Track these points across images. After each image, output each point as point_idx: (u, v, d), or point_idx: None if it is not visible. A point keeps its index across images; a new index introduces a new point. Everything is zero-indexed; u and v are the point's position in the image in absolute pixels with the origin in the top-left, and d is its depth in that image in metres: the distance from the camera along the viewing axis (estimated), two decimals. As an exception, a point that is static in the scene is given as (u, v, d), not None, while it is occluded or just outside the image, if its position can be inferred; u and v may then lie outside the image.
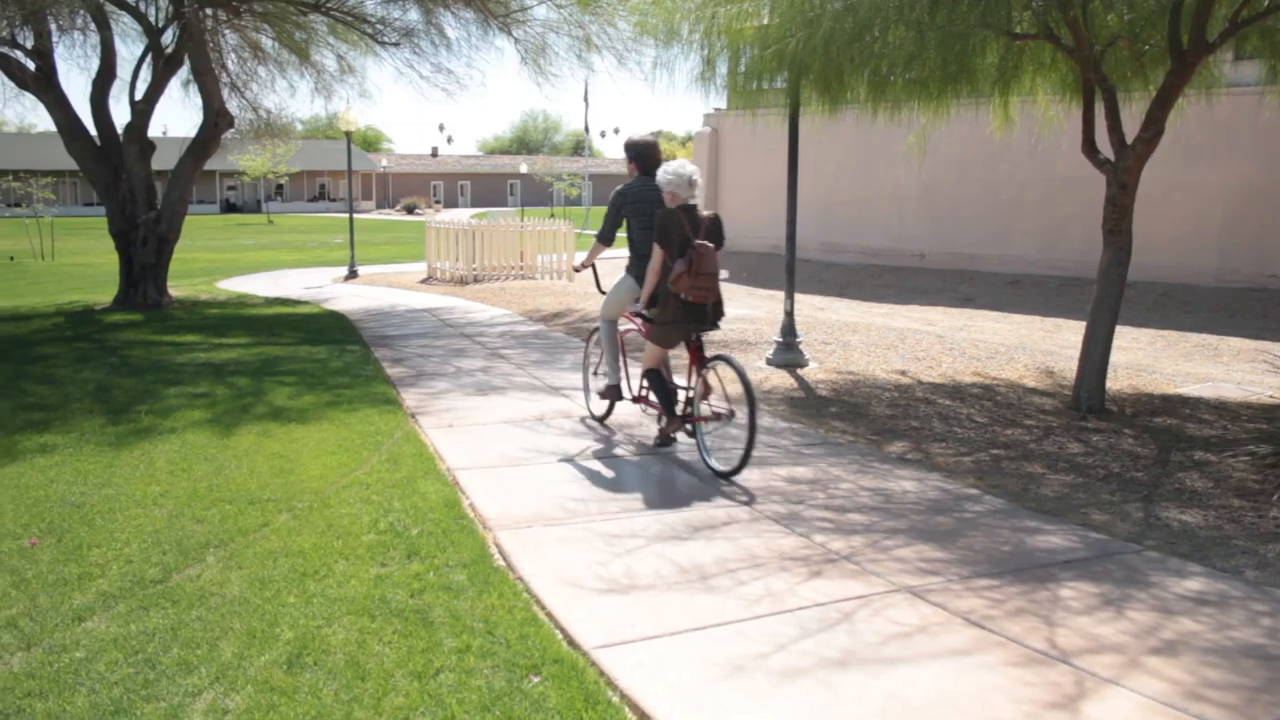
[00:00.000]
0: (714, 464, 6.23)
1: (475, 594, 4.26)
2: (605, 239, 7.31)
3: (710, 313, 6.40)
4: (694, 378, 6.51)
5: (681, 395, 6.62)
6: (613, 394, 7.26)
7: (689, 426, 6.54)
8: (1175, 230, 17.95)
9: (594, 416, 7.69)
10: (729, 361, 6.22)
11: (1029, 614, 4.09)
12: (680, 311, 6.24)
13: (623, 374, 7.33)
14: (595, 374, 7.67)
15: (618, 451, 6.75)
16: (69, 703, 3.37)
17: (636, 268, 6.99)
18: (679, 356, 7.61)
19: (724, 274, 9.28)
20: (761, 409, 8.12)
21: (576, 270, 7.91)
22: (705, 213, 6.38)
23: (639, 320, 6.97)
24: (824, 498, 5.71)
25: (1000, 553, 4.84)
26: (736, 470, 6.02)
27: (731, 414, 6.24)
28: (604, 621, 3.99)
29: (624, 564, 4.62)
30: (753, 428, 5.89)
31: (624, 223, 7.08)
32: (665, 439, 6.75)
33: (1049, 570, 4.60)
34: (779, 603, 4.18)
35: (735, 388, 6.13)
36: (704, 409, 6.43)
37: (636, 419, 7.63)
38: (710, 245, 6.18)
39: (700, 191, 6.40)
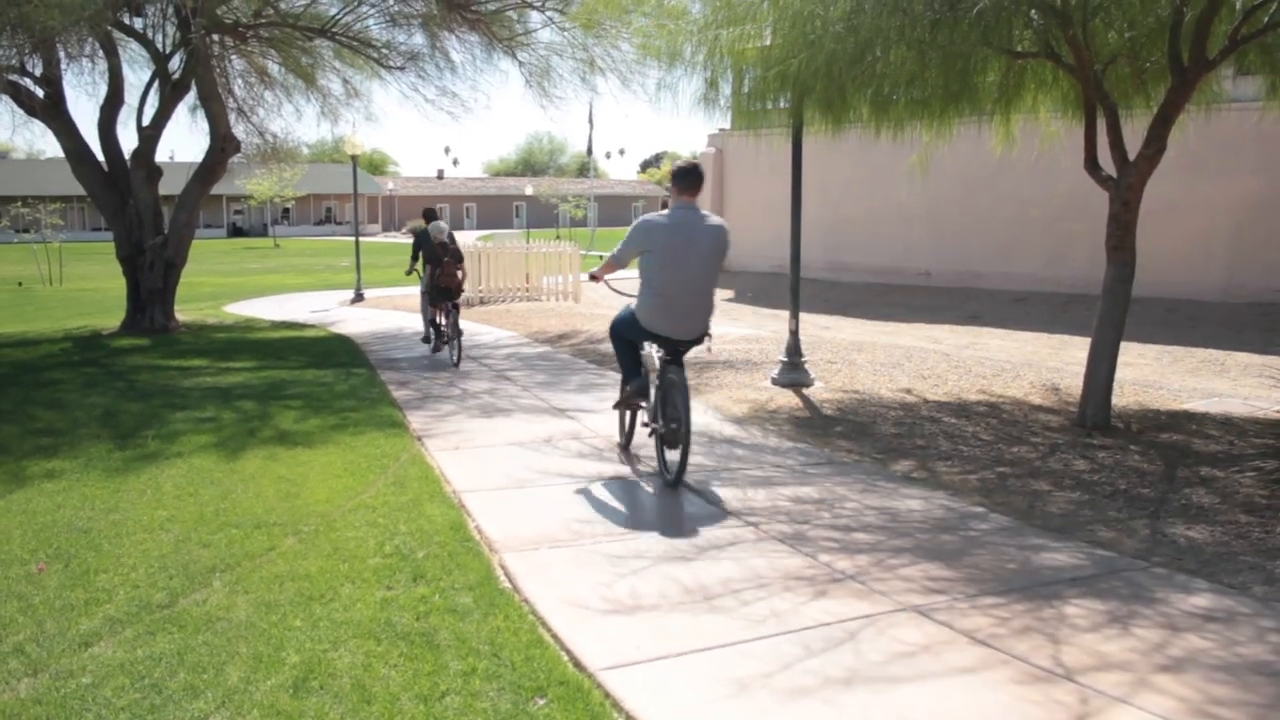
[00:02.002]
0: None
1: (481, 616, 4.26)
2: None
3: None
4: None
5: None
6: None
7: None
8: (1180, 246, 17.96)
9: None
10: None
11: (1035, 632, 4.08)
12: None
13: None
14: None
15: (623, 473, 6.75)
16: (76, 728, 3.37)
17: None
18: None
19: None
20: (767, 428, 8.13)
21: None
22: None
23: None
24: (829, 517, 5.71)
25: (1006, 571, 4.83)
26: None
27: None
28: (609, 643, 3.98)
29: (629, 585, 4.62)
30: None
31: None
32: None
33: (1055, 588, 4.59)
34: (784, 623, 4.17)
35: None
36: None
37: (639, 441, 7.64)
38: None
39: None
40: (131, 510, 5.87)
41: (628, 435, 7.36)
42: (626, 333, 6.83)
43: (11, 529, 5.53)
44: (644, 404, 6.84)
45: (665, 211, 6.57)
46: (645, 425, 6.74)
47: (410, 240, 13.36)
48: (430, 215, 12.42)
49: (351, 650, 3.94)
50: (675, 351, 6.48)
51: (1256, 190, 17.48)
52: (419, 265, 12.57)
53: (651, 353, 6.85)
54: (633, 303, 6.70)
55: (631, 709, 3.45)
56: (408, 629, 4.14)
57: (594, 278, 7.09)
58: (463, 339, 11.76)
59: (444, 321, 11.97)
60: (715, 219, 6.50)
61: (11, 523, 5.65)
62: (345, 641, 4.02)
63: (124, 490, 6.31)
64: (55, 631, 4.15)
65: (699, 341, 6.54)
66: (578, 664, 3.82)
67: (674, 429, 6.25)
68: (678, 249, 6.31)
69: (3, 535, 5.43)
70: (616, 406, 7.30)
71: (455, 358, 11.60)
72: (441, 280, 11.65)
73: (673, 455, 6.34)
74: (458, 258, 11.72)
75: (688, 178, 6.46)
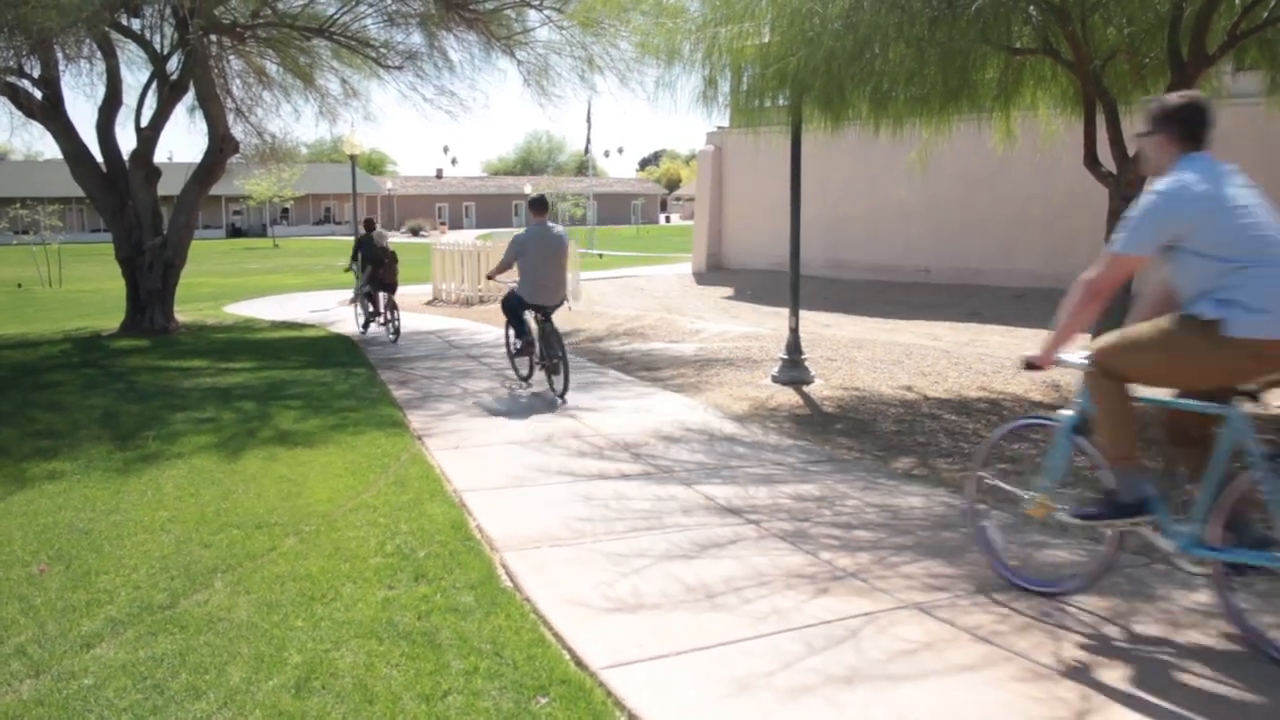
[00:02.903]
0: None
1: (482, 615, 4.26)
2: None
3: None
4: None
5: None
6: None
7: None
8: (1180, 242, 17.93)
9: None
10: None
11: (1037, 629, 4.08)
12: None
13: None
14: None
15: (624, 470, 6.76)
16: (78, 729, 3.37)
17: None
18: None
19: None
20: (767, 426, 8.13)
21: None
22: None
23: None
24: (830, 515, 5.71)
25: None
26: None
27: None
28: (611, 641, 3.98)
29: (631, 584, 4.62)
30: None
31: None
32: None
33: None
34: (786, 620, 4.18)
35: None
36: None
37: (640, 439, 7.64)
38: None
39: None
40: (132, 511, 5.87)
41: (528, 373, 10.21)
42: (516, 305, 9.85)
43: (13, 530, 5.53)
44: (533, 352, 9.80)
45: (527, 229, 9.85)
46: (538, 364, 9.77)
47: (354, 243, 15.77)
48: (370, 225, 15.23)
49: (353, 650, 3.94)
50: (547, 314, 9.67)
51: (1257, 186, 17.47)
52: (358, 264, 15.03)
53: (529, 319, 9.87)
54: (516, 287, 9.87)
55: (633, 708, 3.45)
56: (409, 628, 4.14)
57: (490, 277, 10.85)
58: (401, 323, 14.43)
59: (383, 305, 14.67)
60: (559, 229, 9.92)
61: (13, 524, 5.65)
62: (347, 641, 4.02)
63: (125, 491, 6.31)
64: (57, 633, 4.15)
65: (560, 305, 9.87)
66: (579, 663, 3.82)
67: (555, 363, 9.39)
68: (542, 250, 9.68)
69: (4, 537, 5.43)
70: (517, 355, 10.14)
71: (393, 334, 14.16)
72: (385, 276, 14.63)
73: (558, 381, 9.35)
74: (394, 259, 14.81)
75: (541, 205, 9.96)
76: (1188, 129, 3.91)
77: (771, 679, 3.65)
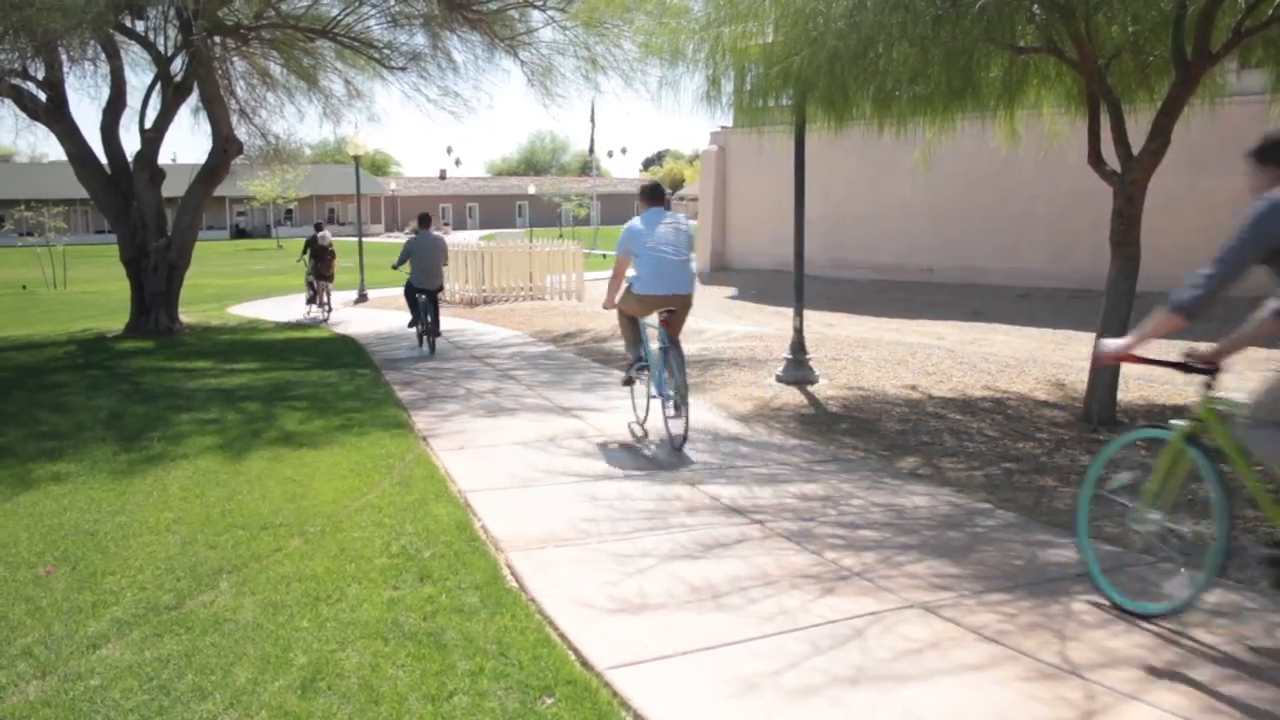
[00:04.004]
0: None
1: (488, 616, 4.27)
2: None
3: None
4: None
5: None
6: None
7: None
8: (1185, 241, 17.88)
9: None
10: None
11: (1043, 628, 4.07)
12: None
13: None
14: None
15: (629, 471, 6.75)
16: (84, 730, 3.38)
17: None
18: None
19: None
20: (772, 425, 8.13)
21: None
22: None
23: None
24: (835, 514, 5.70)
25: (1013, 567, 4.82)
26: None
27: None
28: (616, 642, 3.98)
29: (636, 584, 4.62)
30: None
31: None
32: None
33: (1062, 584, 4.58)
34: (791, 620, 4.17)
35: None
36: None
37: (648, 439, 7.64)
38: None
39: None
40: (138, 512, 5.88)
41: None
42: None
43: (18, 532, 5.54)
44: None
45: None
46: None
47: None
48: (319, 227, 19.07)
49: (359, 650, 3.94)
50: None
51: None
52: (306, 258, 18.82)
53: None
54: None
55: (639, 708, 3.45)
56: (415, 629, 4.14)
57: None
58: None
59: (322, 291, 18.83)
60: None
61: (18, 526, 5.66)
62: (352, 642, 4.03)
63: (130, 492, 6.32)
64: (63, 634, 4.16)
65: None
66: (585, 663, 3.82)
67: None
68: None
69: (10, 538, 5.44)
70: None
71: (326, 314, 18.57)
72: (323, 270, 18.53)
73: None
74: (332, 255, 18.67)
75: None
76: None
77: (777, 679, 3.64)
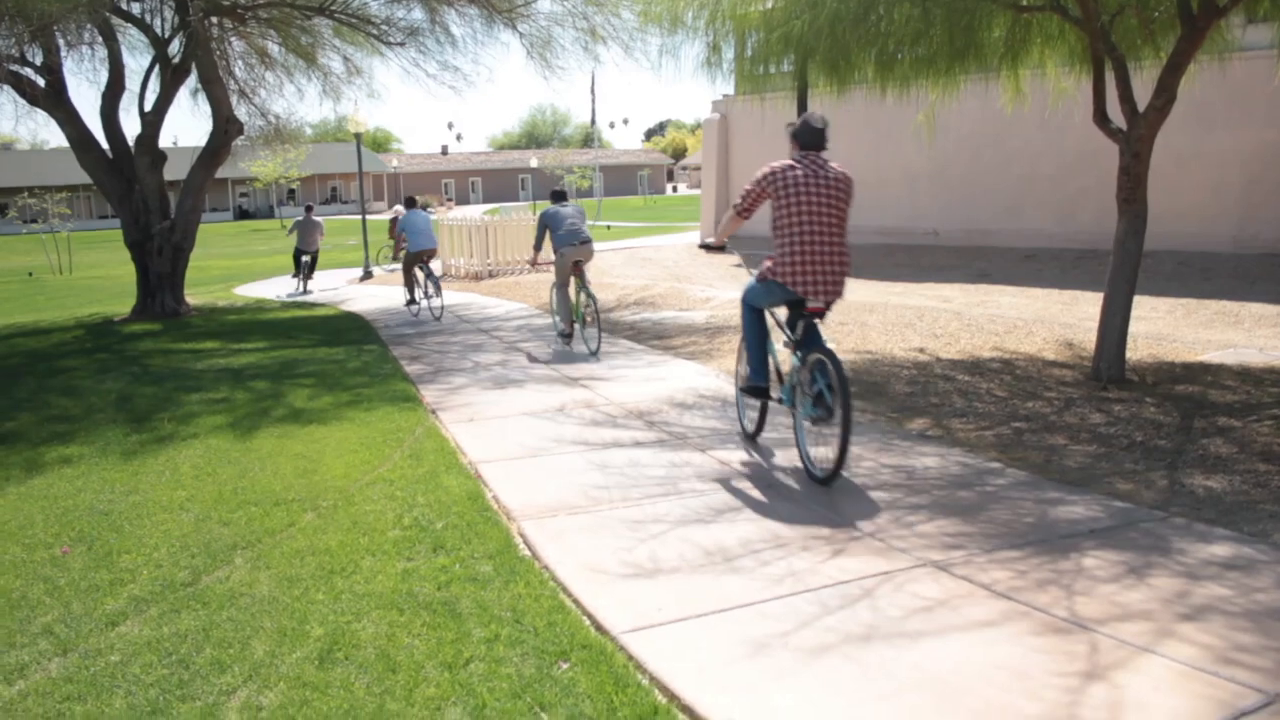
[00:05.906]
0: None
1: (502, 584, 4.29)
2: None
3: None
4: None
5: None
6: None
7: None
8: (1192, 198, 17.82)
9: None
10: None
11: (1054, 584, 4.09)
12: None
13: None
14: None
15: (638, 438, 6.77)
16: (107, 705, 3.41)
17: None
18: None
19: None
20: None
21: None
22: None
23: None
24: (845, 476, 5.71)
25: (1024, 524, 4.83)
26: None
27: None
28: (631, 606, 4.00)
29: (648, 549, 4.64)
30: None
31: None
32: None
33: (1073, 540, 4.59)
34: (803, 581, 4.19)
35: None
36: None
37: (654, 407, 7.65)
38: None
39: None
40: (151, 492, 5.91)
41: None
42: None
43: (34, 514, 5.58)
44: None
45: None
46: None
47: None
48: (309, 209, 21.59)
49: (374, 621, 3.97)
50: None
51: (1269, 140, 17.29)
52: (294, 234, 21.24)
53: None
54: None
55: (655, 670, 3.47)
56: (429, 599, 4.17)
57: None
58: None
59: (305, 266, 21.21)
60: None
61: (34, 508, 5.70)
62: (368, 613, 4.06)
63: (142, 472, 6.35)
64: (82, 612, 4.20)
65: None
66: (600, 628, 3.84)
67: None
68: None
69: (27, 520, 5.48)
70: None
71: (304, 285, 20.86)
72: (302, 245, 21.05)
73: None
74: (320, 232, 21.31)
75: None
76: None
77: (790, 639, 3.66)
